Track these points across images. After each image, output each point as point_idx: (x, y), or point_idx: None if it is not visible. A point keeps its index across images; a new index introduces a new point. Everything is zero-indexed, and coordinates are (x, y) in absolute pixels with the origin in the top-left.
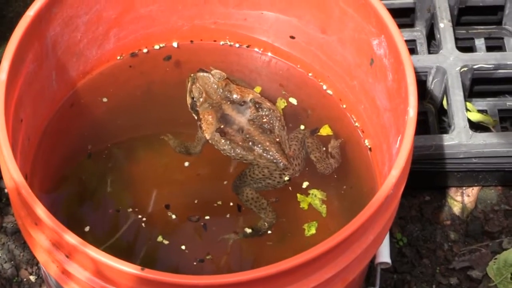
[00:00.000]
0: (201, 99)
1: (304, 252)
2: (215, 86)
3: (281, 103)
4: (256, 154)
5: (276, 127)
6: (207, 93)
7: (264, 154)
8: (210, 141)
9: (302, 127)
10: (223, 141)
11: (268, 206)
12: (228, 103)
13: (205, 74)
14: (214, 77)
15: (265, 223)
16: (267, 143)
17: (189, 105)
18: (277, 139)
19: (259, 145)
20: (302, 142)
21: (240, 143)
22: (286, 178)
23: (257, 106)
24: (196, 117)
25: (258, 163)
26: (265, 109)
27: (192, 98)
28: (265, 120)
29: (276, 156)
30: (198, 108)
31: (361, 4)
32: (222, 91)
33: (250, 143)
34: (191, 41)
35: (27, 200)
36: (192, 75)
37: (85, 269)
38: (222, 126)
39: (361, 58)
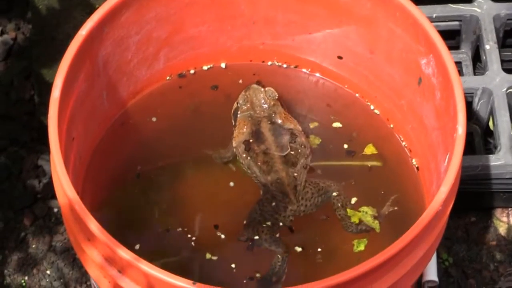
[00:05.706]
0: (244, 107)
1: (354, 267)
2: (263, 101)
3: (315, 140)
4: (270, 179)
5: (299, 164)
6: (252, 104)
7: (275, 183)
8: (234, 149)
9: (345, 146)
10: (244, 155)
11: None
12: (268, 122)
13: (259, 86)
14: (266, 93)
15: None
16: (283, 174)
17: (232, 110)
18: (295, 174)
19: (275, 173)
20: (321, 193)
21: (259, 163)
22: (289, 214)
23: (292, 137)
24: (233, 123)
25: (268, 188)
26: (297, 143)
27: (237, 103)
28: (292, 153)
29: (286, 190)
30: (238, 114)
31: (410, 23)
32: (268, 108)
33: (269, 168)
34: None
35: (81, 215)
36: (249, 85)
37: (137, 283)
38: (251, 141)
39: (409, 78)
